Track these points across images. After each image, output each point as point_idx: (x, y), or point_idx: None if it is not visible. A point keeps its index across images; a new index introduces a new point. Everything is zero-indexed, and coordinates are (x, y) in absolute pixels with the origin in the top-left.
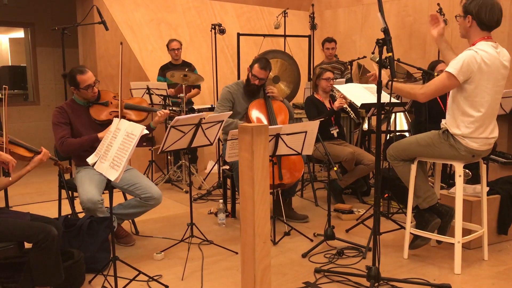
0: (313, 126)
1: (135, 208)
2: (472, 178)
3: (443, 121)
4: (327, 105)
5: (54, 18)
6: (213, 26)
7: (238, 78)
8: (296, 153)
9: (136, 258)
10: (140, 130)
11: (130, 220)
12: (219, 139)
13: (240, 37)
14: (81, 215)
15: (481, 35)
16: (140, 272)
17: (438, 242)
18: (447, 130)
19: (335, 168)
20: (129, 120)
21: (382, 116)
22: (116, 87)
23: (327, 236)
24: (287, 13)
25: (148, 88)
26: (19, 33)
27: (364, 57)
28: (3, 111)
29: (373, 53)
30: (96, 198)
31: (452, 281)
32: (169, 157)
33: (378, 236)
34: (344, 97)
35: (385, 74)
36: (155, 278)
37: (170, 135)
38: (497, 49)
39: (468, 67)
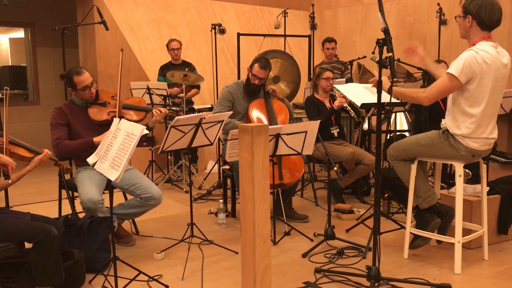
0: (313, 126)
1: (136, 208)
2: (472, 178)
3: (443, 121)
4: (327, 104)
5: (54, 18)
6: (213, 26)
7: (238, 78)
8: (296, 153)
9: (136, 258)
10: (140, 130)
11: (130, 220)
12: (219, 139)
13: (240, 37)
14: (81, 215)
15: (481, 35)
16: (140, 272)
17: (438, 242)
18: (447, 130)
19: (335, 168)
20: (128, 120)
21: (382, 116)
22: (116, 87)
23: (327, 236)
24: (287, 13)
25: (148, 88)
26: (19, 33)
27: (364, 57)
28: (3, 112)
29: (373, 53)
30: (96, 198)
31: (452, 281)
32: (169, 157)
33: (378, 236)
34: (344, 97)
35: (386, 80)
36: (155, 278)
37: (170, 135)
38: (497, 49)
39: (469, 68)
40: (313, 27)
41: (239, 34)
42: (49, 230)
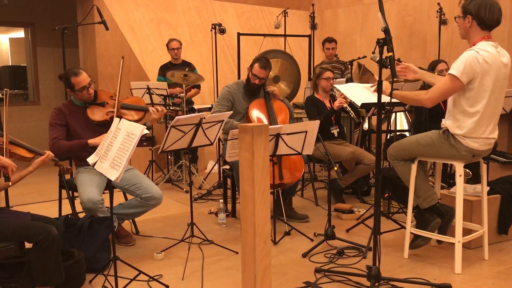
0: (313, 126)
1: (136, 208)
2: (473, 178)
3: (443, 121)
4: (327, 104)
5: (54, 18)
6: (213, 26)
7: (238, 77)
8: (296, 152)
9: (136, 258)
10: (140, 130)
11: (131, 220)
12: (219, 139)
13: (240, 36)
14: (81, 215)
15: (482, 34)
16: (140, 272)
17: (439, 241)
18: (447, 129)
19: (335, 168)
20: (127, 119)
21: (383, 115)
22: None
23: (328, 236)
24: (287, 12)
25: (148, 88)
26: (19, 33)
27: (365, 56)
28: (3, 113)
29: (373, 52)
30: (96, 198)
31: (453, 280)
32: (169, 157)
33: (378, 236)
34: (345, 97)
35: (387, 84)
36: (156, 278)
37: (170, 135)
38: (497, 49)
39: (471, 68)
40: (313, 27)
41: (239, 34)
42: (49, 230)
